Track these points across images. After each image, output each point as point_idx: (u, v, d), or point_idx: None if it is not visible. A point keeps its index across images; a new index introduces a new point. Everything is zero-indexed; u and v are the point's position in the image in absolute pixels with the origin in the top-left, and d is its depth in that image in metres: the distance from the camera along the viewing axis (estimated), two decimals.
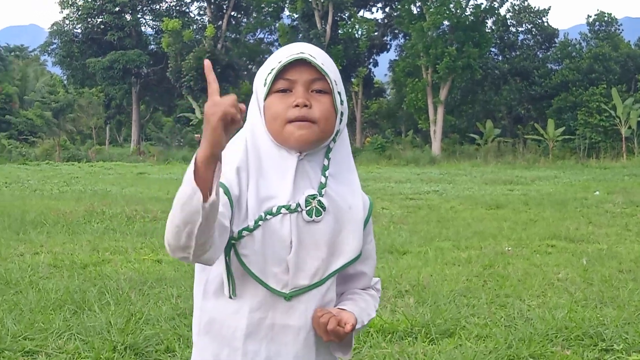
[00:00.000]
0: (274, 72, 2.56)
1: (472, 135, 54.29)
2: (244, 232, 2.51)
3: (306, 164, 2.61)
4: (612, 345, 7.20)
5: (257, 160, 2.59)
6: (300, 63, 2.56)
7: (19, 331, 7.51)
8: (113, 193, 24.17)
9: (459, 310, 8.53)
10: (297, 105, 2.53)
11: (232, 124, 2.20)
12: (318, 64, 2.56)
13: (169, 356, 6.87)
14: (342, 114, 2.65)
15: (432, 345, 7.25)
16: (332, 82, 2.59)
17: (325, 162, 2.65)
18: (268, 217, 2.53)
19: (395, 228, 15.79)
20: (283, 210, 2.54)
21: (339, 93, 2.61)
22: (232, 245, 2.52)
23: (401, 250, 12.85)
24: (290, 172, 2.58)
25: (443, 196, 24.05)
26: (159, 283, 9.74)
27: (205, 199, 2.20)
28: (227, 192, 2.48)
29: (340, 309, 2.63)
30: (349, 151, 2.74)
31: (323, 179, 2.62)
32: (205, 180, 2.22)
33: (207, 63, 2.28)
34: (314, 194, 2.58)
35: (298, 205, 2.55)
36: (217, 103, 2.18)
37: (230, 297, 2.56)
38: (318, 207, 2.57)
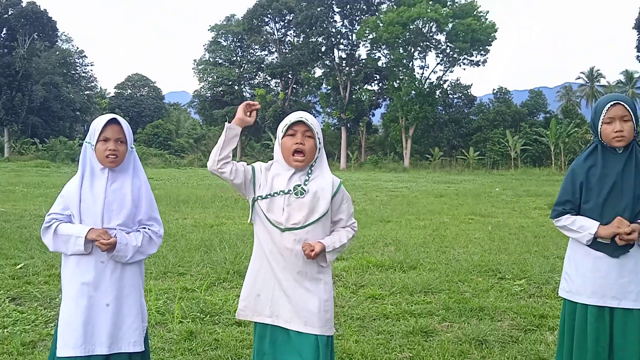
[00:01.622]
0: (286, 126, 2.97)
1: (427, 155, 54.04)
2: (260, 197, 2.98)
3: (299, 172, 2.98)
4: (505, 276, 7.17)
5: (276, 167, 3.02)
6: (300, 122, 2.96)
7: (176, 262, 7.61)
8: (227, 186, 24.20)
9: (419, 254, 8.53)
10: (296, 143, 2.93)
11: (249, 116, 3.04)
12: (309, 124, 2.94)
13: None
14: (319, 149, 2.98)
15: (404, 274, 7.25)
16: (316, 132, 2.96)
17: (310, 171, 2.99)
18: (274, 194, 2.95)
19: (384, 207, 15.77)
20: (281, 192, 2.94)
21: (319, 138, 2.98)
22: (256, 201, 3.01)
23: (387, 220, 12.84)
24: (288, 176, 2.96)
25: (410, 189, 23.93)
26: (252, 236, 9.78)
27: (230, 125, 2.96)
28: (253, 168, 3.02)
29: (318, 241, 2.91)
30: (325, 163, 3.04)
31: (307, 178, 2.97)
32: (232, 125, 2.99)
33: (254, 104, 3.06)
34: (300, 184, 2.94)
35: (289, 190, 2.93)
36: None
37: (250, 223, 3.05)
38: (301, 190, 2.93)
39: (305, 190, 2.92)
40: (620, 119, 3.07)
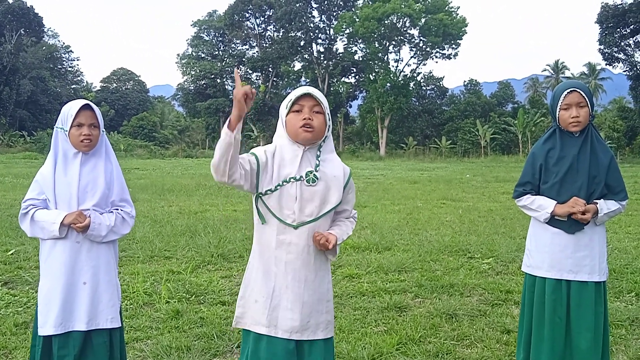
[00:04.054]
0: (292, 100, 2.57)
1: (401, 144, 54.20)
2: (268, 191, 2.54)
3: (308, 153, 2.59)
4: (474, 255, 7.29)
5: (281, 152, 2.58)
6: (307, 96, 2.57)
7: (162, 246, 7.61)
8: (210, 175, 24.00)
9: (393, 236, 8.62)
10: (304, 119, 2.54)
11: (248, 100, 2.33)
12: (317, 97, 2.56)
13: (240, 259, 6.94)
14: (329, 126, 2.62)
15: (379, 254, 7.34)
16: (325, 107, 2.59)
17: (319, 153, 2.61)
18: (284, 183, 2.53)
19: (361, 193, 15.84)
20: (292, 180, 2.53)
21: (328, 114, 2.61)
22: (260, 197, 2.56)
23: (363, 205, 12.92)
24: (298, 157, 2.57)
25: (385, 177, 24.06)
26: (235, 222, 9.82)
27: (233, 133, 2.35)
28: (256, 158, 2.54)
29: (329, 232, 2.60)
30: (332, 146, 2.69)
31: (317, 162, 2.59)
32: (235, 130, 2.36)
33: (236, 71, 2.41)
34: (312, 170, 2.56)
35: (301, 177, 2.54)
36: (240, 88, 2.31)
37: (262, 224, 2.58)
38: (313, 177, 2.55)
39: (317, 178, 2.56)
40: (577, 105, 3.14)
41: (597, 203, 3.12)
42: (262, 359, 2.53)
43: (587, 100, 3.15)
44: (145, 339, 4.33)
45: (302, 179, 2.55)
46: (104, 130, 3.07)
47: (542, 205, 3.18)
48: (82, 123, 2.94)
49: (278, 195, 2.54)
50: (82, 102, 2.98)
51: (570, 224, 3.14)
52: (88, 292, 2.96)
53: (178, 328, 4.53)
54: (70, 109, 2.97)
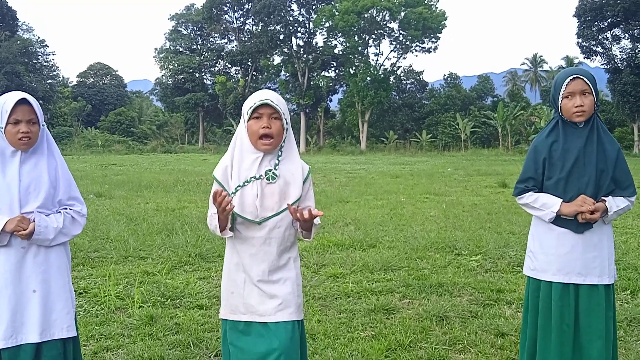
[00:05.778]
0: (251, 109, 2.64)
1: (382, 138, 54.03)
2: (232, 194, 2.63)
3: (268, 155, 2.68)
4: (461, 252, 7.07)
5: (241, 154, 2.67)
6: (266, 105, 2.63)
7: (137, 246, 7.29)
8: (189, 170, 23.75)
9: (378, 233, 8.37)
10: (263, 127, 2.62)
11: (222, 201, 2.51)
12: (274, 105, 2.63)
13: (219, 259, 6.65)
14: (287, 129, 2.69)
15: (364, 252, 7.08)
16: (282, 113, 2.65)
17: (280, 153, 2.70)
18: (245, 184, 2.63)
19: (342, 188, 15.60)
20: (252, 179, 2.63)
21: (286, 119, 2.67)
22: None
23: (346, 200, 12.68)
24: (258, 160, 2.65)
25: (367, 171, 23.84)
26: None
27: (223, 233, 2.66)
28: (224, 188, 2.65)
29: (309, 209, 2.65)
30: (294, 145, 2.75)
31: (277, 161, 2.67)
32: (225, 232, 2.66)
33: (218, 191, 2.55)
34: (270, 169, 2.64)
35: (261, 175, 2.63)
36: (219, 203, 2.52)
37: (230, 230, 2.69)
38: (272, 175, 2.64)
39: (276, 175, 2.64)
40: (580, 94, 2.89)
41: (605, 201, 2.87)
42: (244, 344, 2.65)
43: (591, 87, 2.90)
44: (116, 348, 4.03)
45: (261, 177, 2.64)
46: (44, 124, 2.80)
47: (547, 204, 2.92)
48: (19, 120, 2.67)
49: (239, 195, 2.63)
50: (18, 96, 2.69)
51: (578, 223, 2.87)
52: (39, 301, 2.69)
53: (152, 335, 4.23)
54: (5, 103, 2.68)
